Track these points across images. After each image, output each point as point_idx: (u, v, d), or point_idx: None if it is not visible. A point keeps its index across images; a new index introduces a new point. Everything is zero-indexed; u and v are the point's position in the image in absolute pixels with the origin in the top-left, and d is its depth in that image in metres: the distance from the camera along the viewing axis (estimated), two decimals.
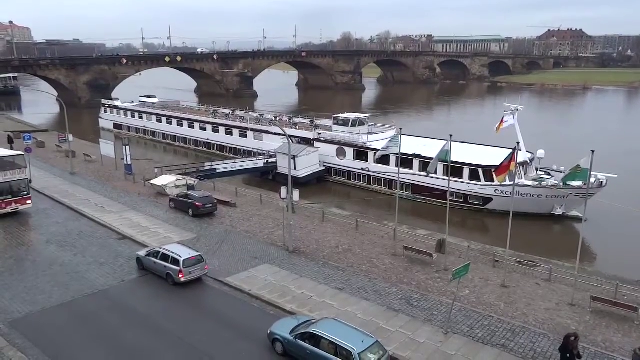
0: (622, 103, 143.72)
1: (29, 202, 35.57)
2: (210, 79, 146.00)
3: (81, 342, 20.09)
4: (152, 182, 41.98)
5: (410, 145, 43.77)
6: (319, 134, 53.85)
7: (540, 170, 43.19)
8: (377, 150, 43.32)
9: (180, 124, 70.84)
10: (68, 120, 50.57)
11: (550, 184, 39.44)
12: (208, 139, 66.57)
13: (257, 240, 31.29)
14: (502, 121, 40.66)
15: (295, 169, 46.18)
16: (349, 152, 50.21)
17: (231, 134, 63.20)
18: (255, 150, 57.13)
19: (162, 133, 74.18)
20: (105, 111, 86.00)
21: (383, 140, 45.80)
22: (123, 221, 34.27)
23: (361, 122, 52.66)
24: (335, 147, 51.28)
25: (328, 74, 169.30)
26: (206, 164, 49.99)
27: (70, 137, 51.57)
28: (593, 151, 22.24)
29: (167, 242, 28.19)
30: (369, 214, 40.44)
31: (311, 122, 59.21)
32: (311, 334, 18.38)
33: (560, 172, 40.72)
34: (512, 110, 41.25)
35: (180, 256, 24.85)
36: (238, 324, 21.49)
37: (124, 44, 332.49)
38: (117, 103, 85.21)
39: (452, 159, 28.23)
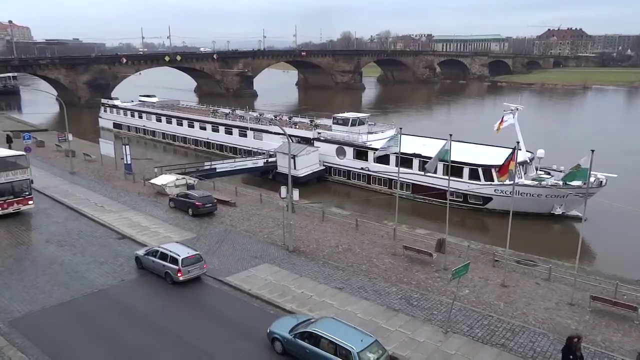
0: (622, 102, 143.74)
1: (30, 202, 35.54)
2: (210, 79, 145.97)
3: (81, 341, 20.10)
4: (152, 181, 41.96)
5: (410, 144, 43.75)
6: (319, 133, 53.85)
7: (540, 170, 43.19)
8: (377, 149, 43.31)
9: (180, 124, 70.83)
10: (68, 120, 50.55)
11: (550, 184, 39.43)
12: (208, 139, 66.56)
13: (257, 239, 31.29)
14: (502, 121, 40.63)
15: (295, 168, 46.19)
16: (349, 151, 50.21)
17: (231, 133, 63.20)
18: (255, 150, 57.10)
19: (162, 132, 74.16)
20: (105, 110, 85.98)
21: (383, 140, 45.77)
22: (123, 221, 34.27)
23: (361, 122, 52.68)
24: (335, 146, 51.28)
25: (328, 74, 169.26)
26: (206, 163, 49.96)
27: (70, 137, 51.59)
28: (593, 150, 22.23)
29: (167, 242, 28.16)
30: (369, 213, 40.43)
31: (311, 121, 59.21)
32: (310, 333, 18.38)
33: (560, 171, 40.72)
34: (512, 110, 41.23)
35: (178, 255, 24.86)
36: (237, 323, 21.49)
37: (123, 44, 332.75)
38: (116, 102, 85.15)
39: (452, 159, 28.22)
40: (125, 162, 47.19)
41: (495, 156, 40.46)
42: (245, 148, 60.00)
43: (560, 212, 39.63)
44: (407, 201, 43.79)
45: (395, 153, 35.34)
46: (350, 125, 51.62)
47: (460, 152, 40.23)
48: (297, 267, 26.93)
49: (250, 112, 68.79)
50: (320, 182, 51.15)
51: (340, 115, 53.98)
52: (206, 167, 48.65)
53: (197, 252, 25.81)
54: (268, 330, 19.75)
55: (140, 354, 19.34)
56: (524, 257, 28.92)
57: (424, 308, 22.60)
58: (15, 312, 22.20)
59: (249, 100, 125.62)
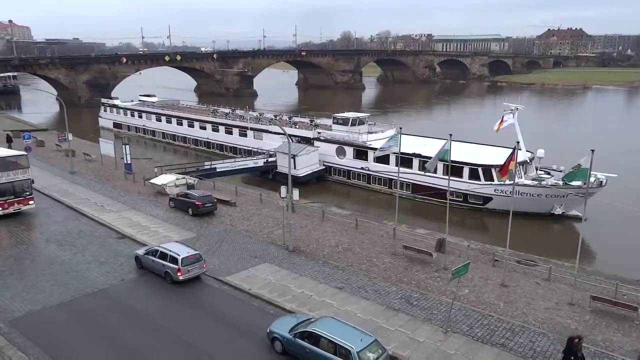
0: (621, 102, 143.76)
1: (31, 202, 35.52)
2: (210, 78, 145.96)
3: (81, 341, 20.10)
4: (152, 181, 41.96)
5: (410, 144, 43.75)
6: (319, 133, 53.84)
7: (540, 170, 43.19)
8: (377, 149, 43.31)
9: (180, 123, 70.82)
10: (68, 120, 50.56)
11: (550, 184, 39.42)
12: (208, 138, 66.55)
13: (257, 239, 31.29)
14: (502, 120, 40.61)
15: (295, 168, 46.19)
16: (349, 151, 50.21)
17: (231, 133, 63.19)
18: (255, 150, 57.09)
19: (162, 132, 74.15)
20: (105, 110, 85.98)
21: (383, 140, 45.74)
22: (123, 220, 34.27)
23: (361, 122, 52.68)
24: (335, 146, 51.27)
25: (328, 73, 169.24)
26: (206, 163, 49.95)
27: (70, 136, 51.58)
28: (593, 150, 22.25)
29: (167, 241, 28.16)
30: (369, 213, 40.43)
31: (311, 121, 59.19)
32: (310, 333, 18.39)
33: (560, 171, 40.72)
34: (512, 110, 41.21)
35: (178, 254, 24.86)
36: (237, 323, 21.50)
37: (123, 43, 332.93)
38: (116, 102, 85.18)
39: (452, 159, 28.22)
40: (125, 162, 47.20)
41: (495, 156, 40.48)
42: (245, 148, 59.98)
43: (560, 212, 39.63)
44: (407, 201, 43.79)
45: (395, 153, 35.35)
46: (350, 125, 51.62)
47: (460, 152, 40.23)
48: (297, 267, 26.93)
49: (250, 112, 68.79)
50: (320, 181, 51.14)
51: (340, 115, 53.98)
52: (206, 167, 48.65)
53: (197, 252, 25.82)
54: (268, 330, 19.75)
55: (140, 354, 19.35)
56: (524, 257, 28.92)
57: (423, 308, 22.60)
58: (15, 311, 22.20)
59: (249, 100, 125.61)
